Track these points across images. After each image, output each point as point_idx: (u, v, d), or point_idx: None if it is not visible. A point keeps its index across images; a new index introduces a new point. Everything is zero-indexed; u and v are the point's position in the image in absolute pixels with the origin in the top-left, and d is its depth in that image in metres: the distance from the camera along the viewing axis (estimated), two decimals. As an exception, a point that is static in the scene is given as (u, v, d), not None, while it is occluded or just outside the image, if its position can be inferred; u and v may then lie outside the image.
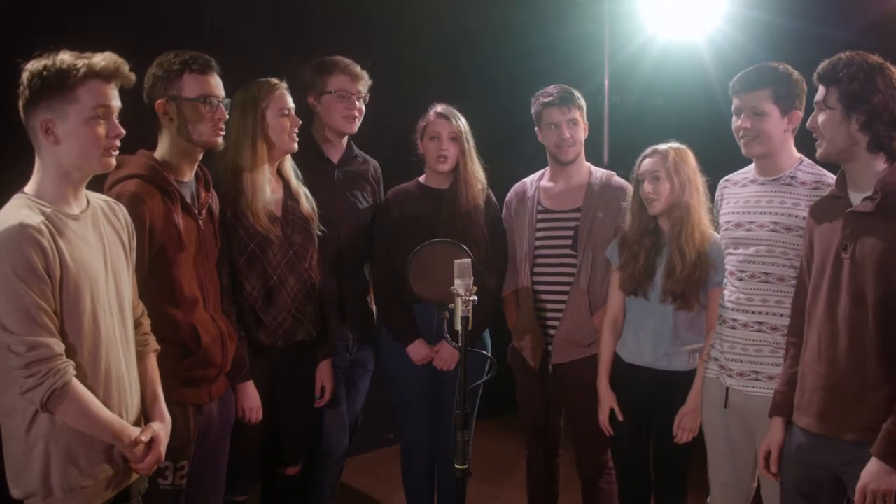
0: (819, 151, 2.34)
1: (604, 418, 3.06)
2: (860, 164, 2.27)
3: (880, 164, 2.25)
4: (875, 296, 2.18)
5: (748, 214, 2.71)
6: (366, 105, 3.24)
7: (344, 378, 3.24)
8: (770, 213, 2.66)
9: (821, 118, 2.30)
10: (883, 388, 2.17)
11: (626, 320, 3.04)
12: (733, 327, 2.71)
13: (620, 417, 3.02)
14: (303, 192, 2.98)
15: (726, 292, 2.75)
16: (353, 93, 3.18)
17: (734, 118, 2.70)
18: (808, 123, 2.37)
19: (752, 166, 2.79)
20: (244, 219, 2.79)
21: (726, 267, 2.77)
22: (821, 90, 2.30)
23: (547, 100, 3.22)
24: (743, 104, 2.66)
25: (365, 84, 3.22)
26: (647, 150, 2.96)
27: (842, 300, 2.25)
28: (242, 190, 2.79)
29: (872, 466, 2.14)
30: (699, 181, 2.91)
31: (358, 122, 3.23)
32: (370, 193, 3.34)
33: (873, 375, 2.19)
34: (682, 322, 2.91)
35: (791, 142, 2.70)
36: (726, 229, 2.78)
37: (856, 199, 2.27)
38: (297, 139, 2.91)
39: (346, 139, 3.30)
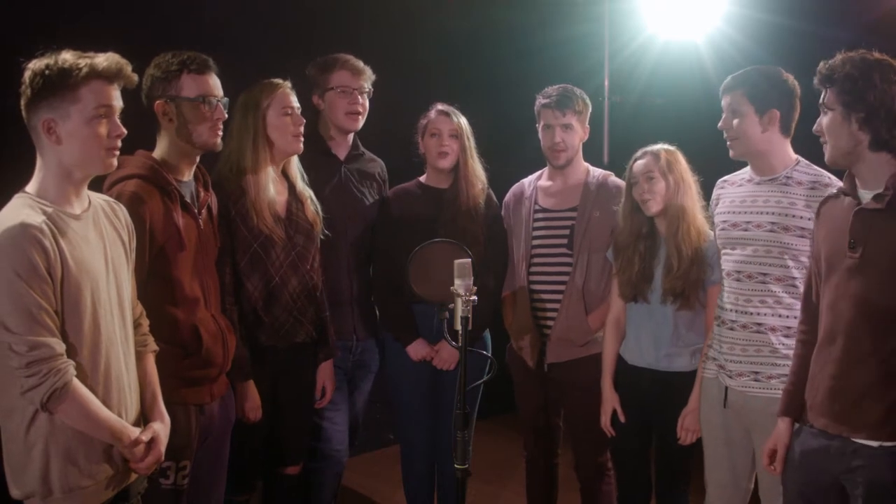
0: (826, 156, 2.29)
1: (606, 420, 3.05)
2: (867, 165, 2.21)
3: (888, 163, 2.19)
4: (885, 295, 2.13)
5: (744, 214, 2.70)
6: (369, 100, 3.22)
7: (346, 379, 3.24)
8: (767, 213, 2.64)
9: (824, 121, 2.26)
10: (891, 389, 2.13)
11: (628, 322, 3.03)
12: (732, 328, 2.70)
13: (623, 419, 3.01)
14: (308, 195, 2.97)
15: (724, 293, 2.74)
16: (355, 88, 3.17)
17: None
18: (813, 127, 2.32)
19: (748, 167, 2.78)
20: (248, 219, 2.78)
21: (723, 267, 2.76)
22: (823, 92, 2.27)
23: (545, 101, 3.20)
24: (724, 105, 2.71)
25: (367, 79, 3.21)
26: (638, 153, 2.96)
27: (849, 299, 2.21)
28: (246, 190, 2.79)
29: None
30: (691, 180, 2.92)
31: (362, 119, 3.22)
32: (377, 191, 3.34)
33: (876, 375, 2.16)
34: (683, 322, 2.91)
35: (783, 142, 2.68)
36: (722, 229, 2.77)
37: (865, 196, 2.21)
38: (303, 140, 2.88)
39: (351, 137, 3.29)
